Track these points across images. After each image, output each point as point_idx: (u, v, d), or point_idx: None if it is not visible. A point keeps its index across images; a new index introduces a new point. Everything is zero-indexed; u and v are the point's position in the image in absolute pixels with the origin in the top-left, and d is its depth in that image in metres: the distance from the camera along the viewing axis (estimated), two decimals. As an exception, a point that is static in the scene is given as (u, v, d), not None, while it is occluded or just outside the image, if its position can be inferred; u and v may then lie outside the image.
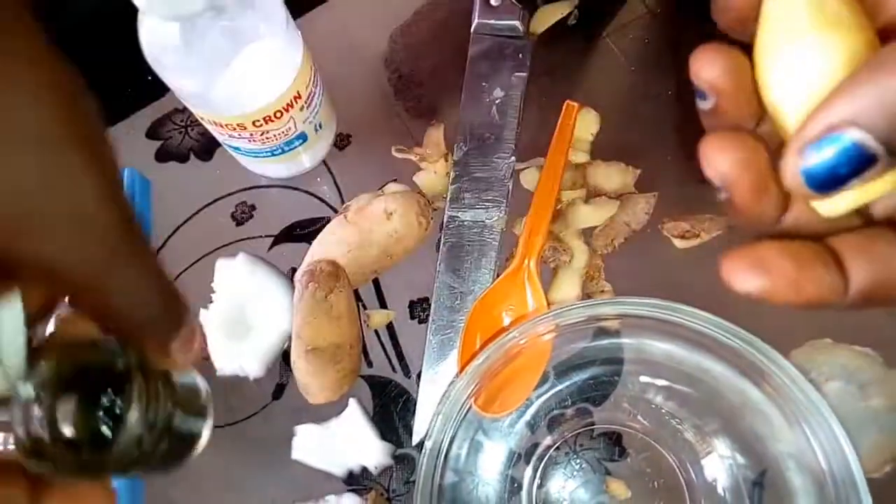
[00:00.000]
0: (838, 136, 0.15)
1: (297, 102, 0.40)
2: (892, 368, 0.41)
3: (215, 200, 0.48)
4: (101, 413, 0.22)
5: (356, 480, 0.41)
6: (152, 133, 0.50)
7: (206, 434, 0.27)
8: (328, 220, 0.45)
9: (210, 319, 0.44)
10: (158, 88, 0.51)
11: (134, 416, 0.22)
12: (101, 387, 0.23)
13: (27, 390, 0.21)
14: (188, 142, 0.49)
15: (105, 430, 0.22)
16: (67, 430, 0.21)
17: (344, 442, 0.41)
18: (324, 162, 0.48)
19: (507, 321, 0.42)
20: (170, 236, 0.47)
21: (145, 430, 0.22)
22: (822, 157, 0.15)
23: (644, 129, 0.47)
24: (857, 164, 0.15)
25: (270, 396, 0.44)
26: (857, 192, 0.16)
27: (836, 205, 0.17)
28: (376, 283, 0.45)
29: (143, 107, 0.50)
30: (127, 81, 0.50)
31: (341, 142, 0.49)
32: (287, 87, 0.38)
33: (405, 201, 0.42)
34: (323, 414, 0.42)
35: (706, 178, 0.21)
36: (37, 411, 0.20)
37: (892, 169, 0.15)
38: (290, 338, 0.43)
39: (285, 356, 0.44)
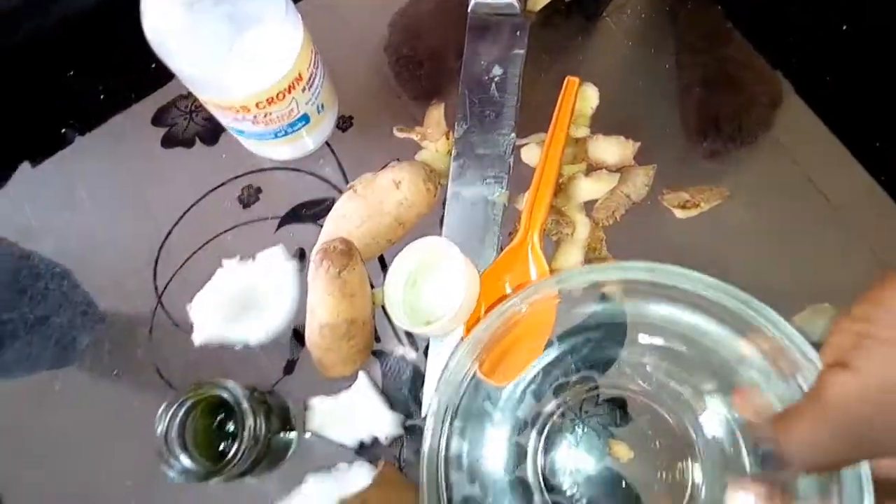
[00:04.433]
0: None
1: (298, 84, 0.40)
2: None
3: (222, 184, 0.49)
4: (224, 434, 0.38)
5: (367, 451, 0.43)
6: (158, 120, 0.51)
7: (294, 445, 0.42)
8: (333, 201, 0.46)
9: (212, 294, 0.45)
10: (162, 76, 0.51)
11: (245, 439, 0.36)
12: (225, 418, 0.39)
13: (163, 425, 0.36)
14: (193, 127, 0.50)
15: (222, 444, 0.38)
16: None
17: (355, 413, 0.42)
18: (327, 143, 0.49)
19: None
20: (178, 220, 0.48)
21: (251, 447, 0.36)
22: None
23: (643, 102, 0.48)
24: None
25: (282, 372, 0.45)
26: None
27: None
28: (381, 260, 0.46)
29: (147, 94, 0.51)
30: (131, 69, 0.51)
31: (343, 123, 0.49)
32: (288, 69, 0.39)
33: (412, 169, 0.43)
34: (334, 388, 0.44)
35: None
36: (175, 431, 0.36)
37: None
38: (297, 315, 0.45)
39: (297, 335, 0.45)
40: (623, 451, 0.38)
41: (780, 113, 0.47)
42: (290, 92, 0.40)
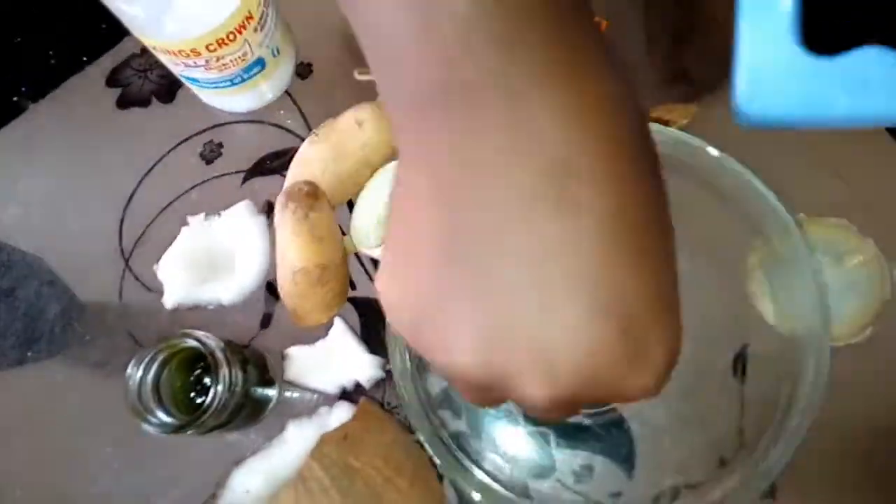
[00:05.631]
0: None
1: (249, 23, 0.39)
2: (866, 237, 0.41)
3: (182, 141, 0.47)
4: (198, 387, 0.38)
5: (350, 397, 0.42)
6: (112, 81, 0.49)
7: (274, 399, 0.42)
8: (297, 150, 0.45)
9: (179, 255, 0.44)
10: (114, 35, 0.50)
11: (219, 388, 0.35)
12: (201, 373, 0.38)
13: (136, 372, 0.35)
14: (149, 85, 0.49)
15: (199, 399, 0.37)
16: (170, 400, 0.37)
17: (334, 359, 0.41)
18: (287, 93, 0.48)
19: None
20: (140, 181, 0.47)
21: (227, 398, 0.35)
22: None
23: (614, 27, 0.47)
24: None
25: (259, 327, 0.44)
26: None
27: None
28: (350, 205, 0.45)
29: (100, 55, 0.50)
30: (81, 31, 0.49)
31: (303, 70, 0.48)
32: (237, 7, 0.38)
33: (374, 109, 0.42)
34: (311, 338, 0.43)
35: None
36: (149, 386, 0.35)
37: None
38: (268, 270, 0.44)
39: (271, 288, 0.44)
40: None
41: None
42: (240, 32, 0.39)
